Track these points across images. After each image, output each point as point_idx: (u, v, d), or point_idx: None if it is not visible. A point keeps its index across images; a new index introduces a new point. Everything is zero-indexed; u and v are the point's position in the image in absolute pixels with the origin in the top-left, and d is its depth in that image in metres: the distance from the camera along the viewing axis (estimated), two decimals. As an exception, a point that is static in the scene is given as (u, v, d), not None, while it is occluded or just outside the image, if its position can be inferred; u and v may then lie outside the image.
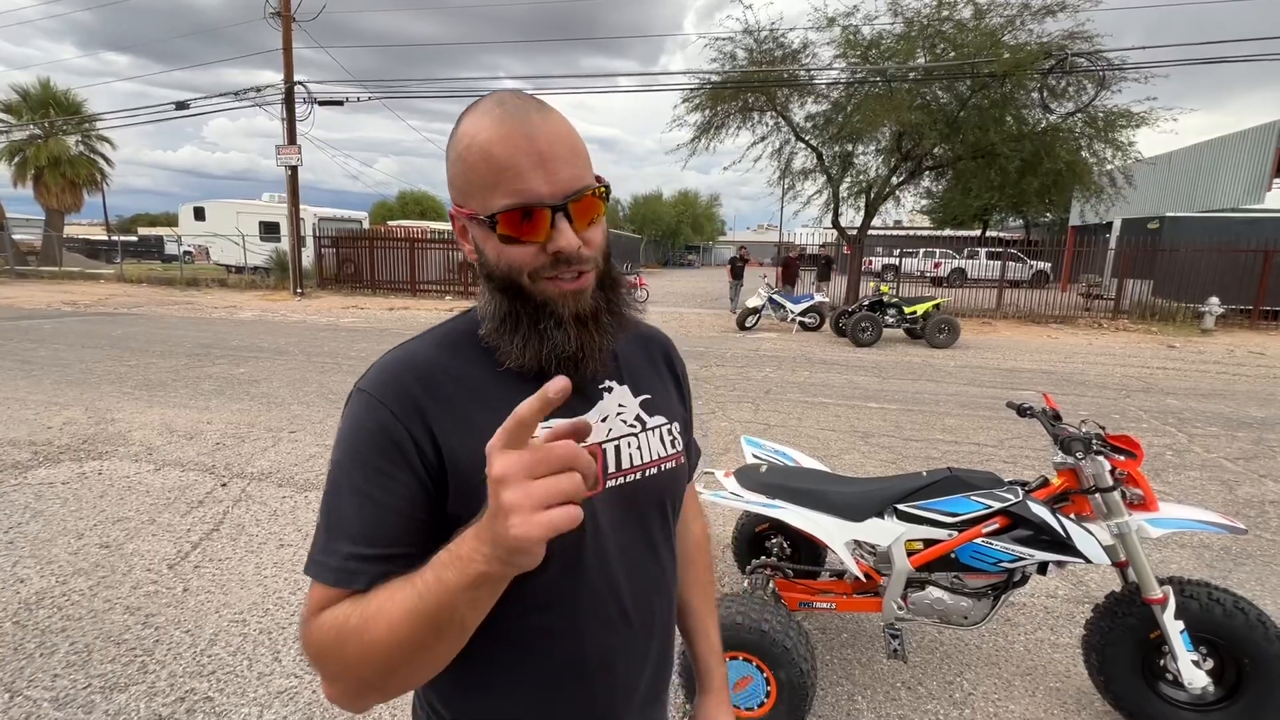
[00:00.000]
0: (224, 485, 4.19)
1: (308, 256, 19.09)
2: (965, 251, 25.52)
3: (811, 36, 14.86)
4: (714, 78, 15.38)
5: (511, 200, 0.64)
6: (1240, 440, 5.63)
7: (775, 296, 13.21)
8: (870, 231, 17.36)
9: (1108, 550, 2.00)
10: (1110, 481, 1.97)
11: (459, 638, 0.57)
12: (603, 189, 0.68)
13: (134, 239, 38.92)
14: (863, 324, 11.14)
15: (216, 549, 3.33)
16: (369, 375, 0.71)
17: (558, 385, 0.49)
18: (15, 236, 24.46)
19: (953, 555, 2.08)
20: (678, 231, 49.98)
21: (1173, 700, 2.04)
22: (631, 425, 0.77)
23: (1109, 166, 14.28)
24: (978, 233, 28.63)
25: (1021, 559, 2.03)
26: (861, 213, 16.53)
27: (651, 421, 0.79)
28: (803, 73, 15.02)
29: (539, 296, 0.68)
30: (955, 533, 2.08)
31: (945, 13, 13.80)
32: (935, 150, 15.11)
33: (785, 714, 2.02)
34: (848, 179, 16.41)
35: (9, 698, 2.21)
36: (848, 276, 16.93)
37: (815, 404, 6.77)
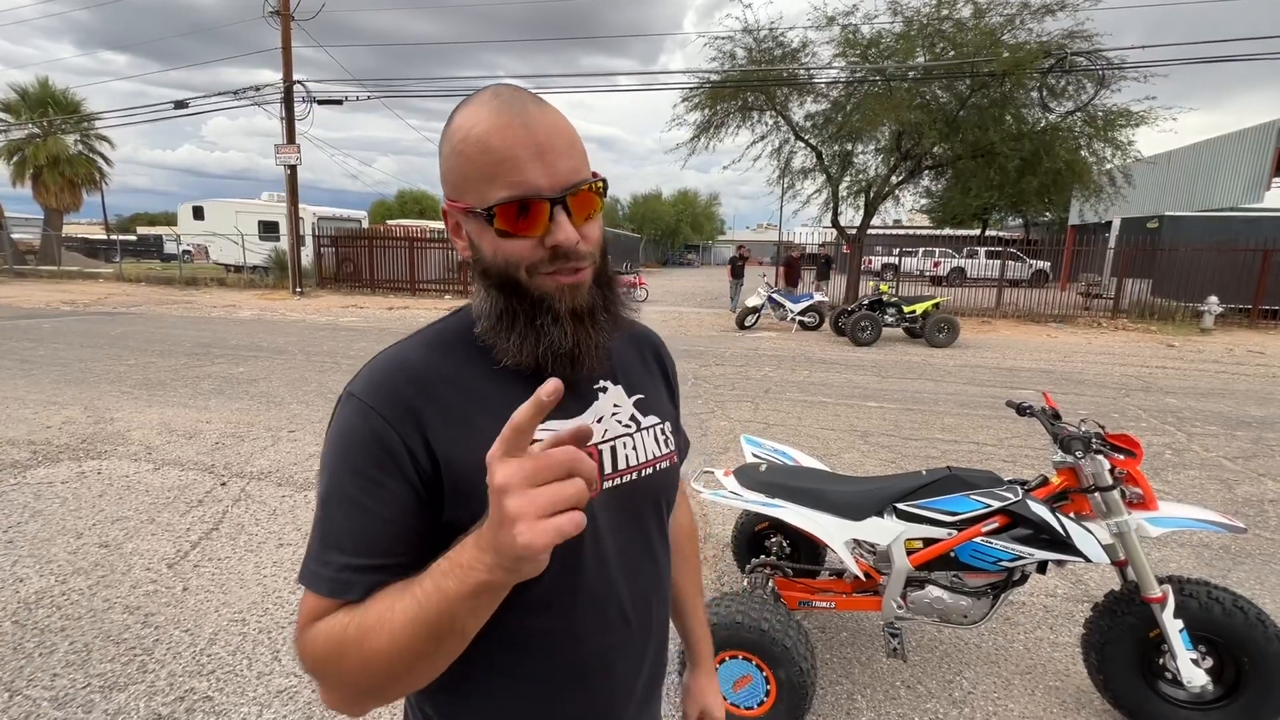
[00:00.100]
0: (223, 484, 4.19)
1: (307, 256, 19.07)
2: (965, 251, 25.54)
3: (811, 35, 14.89)
4: (713, 77, 15.38)
5: (510, 192, 0.63)
6: (1239, 439, 5.64)
7: (774, 296, 13.21)
8: (870, 231, 17.37)
9: (1107, 549, 2.00)
10: (1110, 480, 1.97)
11: (459, 644, 0.57)
12: (600, 184, 0.68)
13: (133, 238, 38.90)
14: (862, 323, 11.14)
15: (216, 548, 3.33)
16: (359, 379, 0.69)
17: (550, 387, 0.48)
18: (14, 236, 24.46)
19: (952, 554, 2.08)
20: (677, 231, 49.97)
21: (1172, 699, 2.04)
22: (626, 425, 0.77)
23: (1108, 166, 14.29)
24: (977, 232, 28.66)
25: (1021, 558, 2.03)
26: (861, 212, 16.54)
27: (646, 421, 0.79)
28: (802, 72, 15.02)
29: (535, 292, 0.67)
30: (955, 532, 2.08)
31: (945, 12, 13.81)
32: (935, 149, 15.12)
33: (785, 713, 2.02)
34: (847, 178, 16.44)
35: (8, 697, 2.21)
36: (847, 276, 16.93)
37: (815, 403, 6.77)
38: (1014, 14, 13.44)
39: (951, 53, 13.78)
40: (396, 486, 0.63)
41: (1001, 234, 29.17)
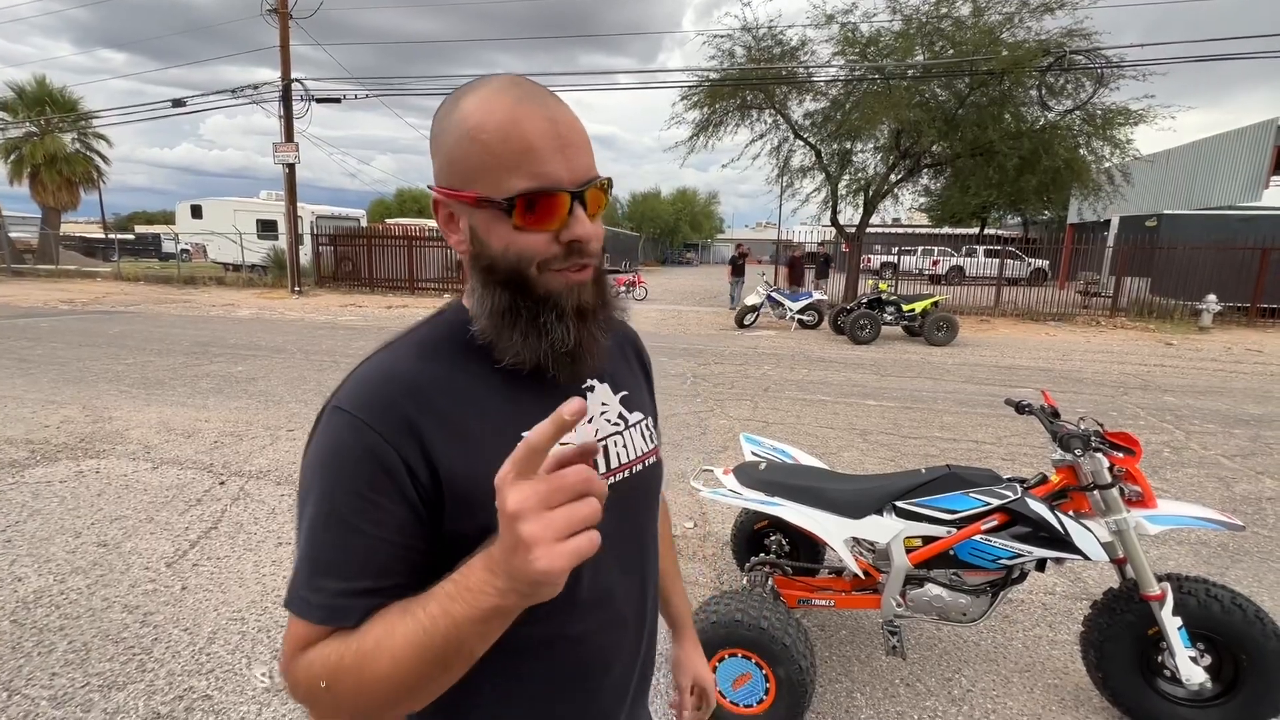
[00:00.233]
0: (222, 483, 4.19)
1: (305, 254, 19.04)
2: (963, 249, 25.56)
3: (810, 34, 14.86)
4: (712, 75, 15.36)
5: (534, 183, 0.61)
6: (1237, 437, 5.65)
7: (773, 294, 13.22)
8: (869, 229, 17.36)
9: (1106, 547, 2.00)
10: (1109, 478, 1.97)
11: (465, 667, 0.55)
12: (607, 182, 0.67)
13: (131, 237, 38.81)
14: (861, 322, 11.14)
15: (215, 547, 3.33)
16: (347, 392, 0.64)
17: (573, 407, 0.47)
18: (12, 234, 24.41)
19: (951, 552, 2.08)
20: (676, 229, 49.98)
21: (1170, 696, 2.04)
22: (615, 423, 0.76)
23: (1107, 164, 14.28)
24: (976, 230, 28.69)
25: (1020, 556, 2.03)
26: (860, 210, 16.53)
27: (632, 418, 0.79)
28: (801, 70, 15.00)
29: (541, 289, 0.65)
30: (954, 530, 2.08)
31: (944, 10, 13.79)
32: (934, 148, 15.11)
33: (784, 711, 2.02)
34: (846, 176, 16.41)
35: (7, 696, 2.21)
36: (846, 274, 16.93)
37: (814, 401, 6.77)
38: (1013, 12, 13.43)
39: (950, 51, 13.77)
40: (393, 505, 0.60)
41: (1000, 232, 29.20)
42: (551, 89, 0.66)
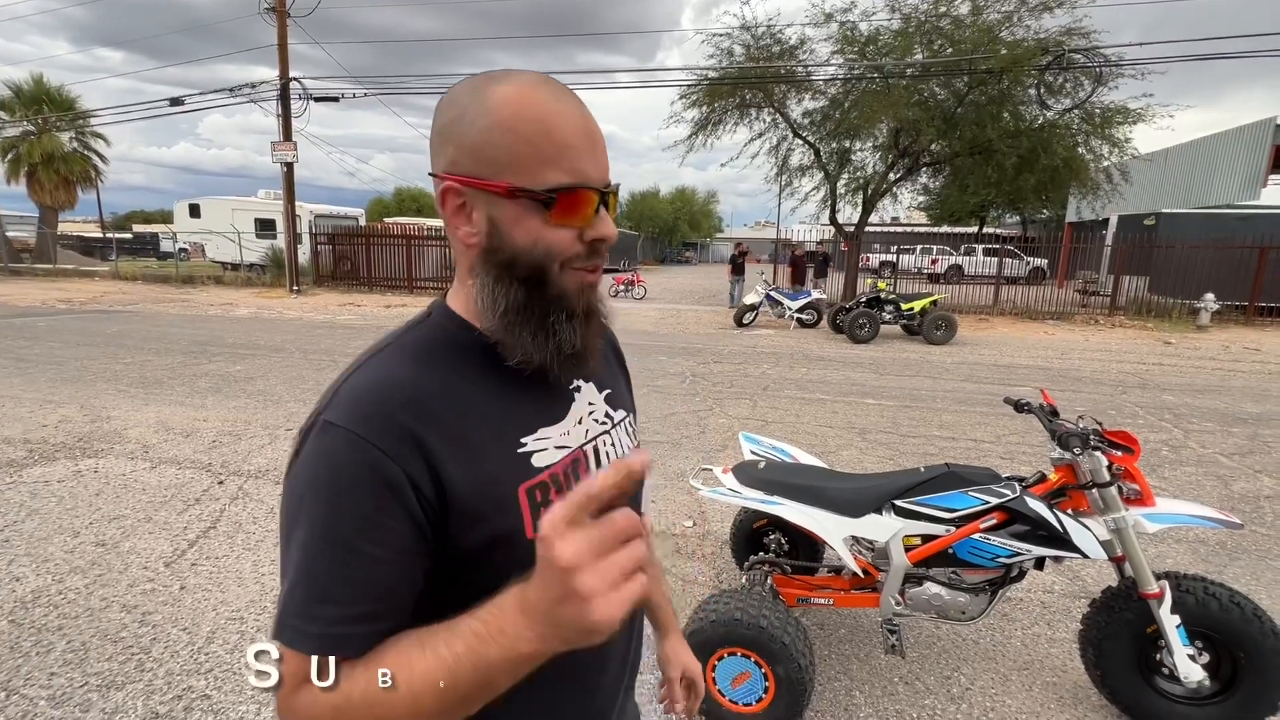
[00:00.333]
0: (221, 483, 4.18)
1: (304, 254, 19.02)
2: (962, 248, 25.55)
3: (809, 33, 14.88)
4: (711, 74, 15.36)
5: (572, 179, 0.60)
6: (1235, 436, 5.66)
7: (772, 293, 13.23)
8: (867, 228, 17.38)
9: (1104, 545, 2.00)
10: (1107, 476, 1.97)
11: (486, 700, 0.54)
12: (617, 187, 0.68)
13: (129, 236, 38.78)
14: (860, 320, 11.15)
15: (213, 547, 3.32)
16: (340, 405, 0.60)
17: (644, 459, 0.47)
18: (9, 234, 24.37)
19: (950, 551, 2.08)
20: (675, 228, 50.02)
21: (1169, 694, 2.05)
22: (602, 423, 0.77)
23: (1105, 163, 14.31)
24: (975, 229, 28.69)
25: (1019, 554, 2.03)
26: (859, 209, 16.54)
27: (616, 417, 0.79)
28: (800, 69, 15.00)
29: (556, 289, 0.64)
30: (953, 528, 2.08)
31: (943, 9, 13.80)
32: (932, 147, 15.12)
33: (783, 709, 2.02)
34: (845, 175, 16.43)
35: (5, 696, 2.20)
36: (845, 273, 16.94)
37: (813, 400, 6.77)
38: (1012, 11, 13.44)
39: (949, 50, 13.77)
40: (397, 524, 0.57)
41: (999, 231, 29.22)
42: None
